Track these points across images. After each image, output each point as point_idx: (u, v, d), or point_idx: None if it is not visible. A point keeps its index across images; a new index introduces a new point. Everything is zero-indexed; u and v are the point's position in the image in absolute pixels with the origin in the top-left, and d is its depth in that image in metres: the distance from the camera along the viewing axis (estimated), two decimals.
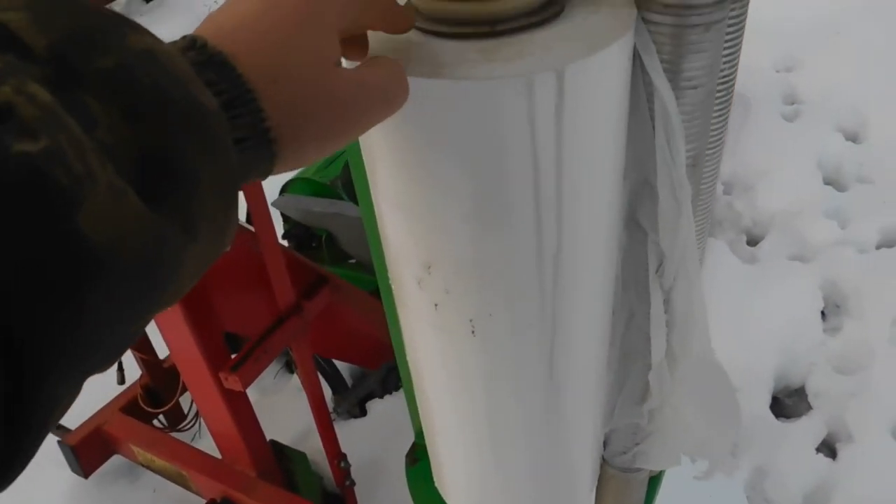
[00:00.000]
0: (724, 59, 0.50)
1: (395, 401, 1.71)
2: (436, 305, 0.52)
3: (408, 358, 0.67)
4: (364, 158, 0.52)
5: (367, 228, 0.72)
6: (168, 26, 3.67)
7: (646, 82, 0.47)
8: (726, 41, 0.48)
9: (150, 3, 4.34)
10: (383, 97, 0.37)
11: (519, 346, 0.54)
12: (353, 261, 1.86)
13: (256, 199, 1.01)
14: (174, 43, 0.30)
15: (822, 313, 2.06)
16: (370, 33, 0.42)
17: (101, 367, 0.25)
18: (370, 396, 1.75)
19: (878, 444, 1.67)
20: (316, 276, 1.22)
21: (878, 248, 2.24)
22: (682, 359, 0.63)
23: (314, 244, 1.89)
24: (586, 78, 0.41)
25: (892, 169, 2.44)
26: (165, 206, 0.25)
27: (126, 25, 0.26)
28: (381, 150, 0.47)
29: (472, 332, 0.53)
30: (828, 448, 1.75)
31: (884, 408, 1.75)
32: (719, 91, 0.52)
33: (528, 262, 0.48)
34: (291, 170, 0.35)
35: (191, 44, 0.30)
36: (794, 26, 3.04)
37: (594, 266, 0.53)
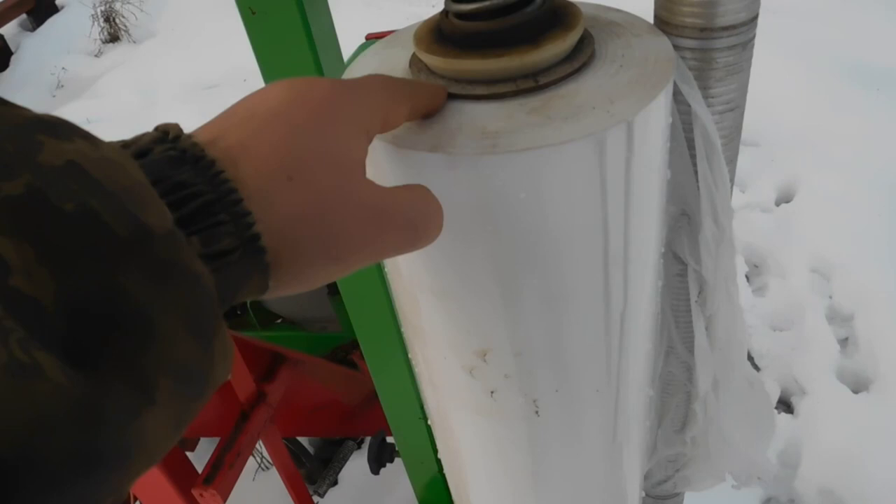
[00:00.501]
0: None
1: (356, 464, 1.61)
2: (492, 392, 0.46)
3: (441, 444, 0.60)
4: None
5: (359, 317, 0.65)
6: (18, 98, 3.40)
7: (681, 111, 0.43)
8: None
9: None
10: (411, 226, 0.31)
11: (586, 414, 0.49)
12: (279, 320, 1.75)
13: None
14: (141, 137, 0.24)
15: (746, 276, 2.16)
16: None
17: None
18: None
19: (830, 392, 1.75)
20: (270, 355, 1.11)
21: (777, 204, 2.38)
22: (725, 382, 0.60)
23: (238, 311, 1.76)
24: (648, 124, 0.36)
25: (773, 128, 2.60)
26: (106, 366, 0.19)
27: (42, 132, 0.20)
28: None
29: (536, 412, 0.47)
30: (784, 405, 1.82)
31: (824, 355, 1.84)
32: None
33: (598, 327, 0.43)
34: (294, 291, 0.28)
35: (161, 136, 0.24)
36: None
37: (649, 312, 0.49)
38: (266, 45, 0.52)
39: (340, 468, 1.46)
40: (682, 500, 0.79)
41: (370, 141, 0.31)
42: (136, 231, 0.20)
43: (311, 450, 1.69)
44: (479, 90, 0.36)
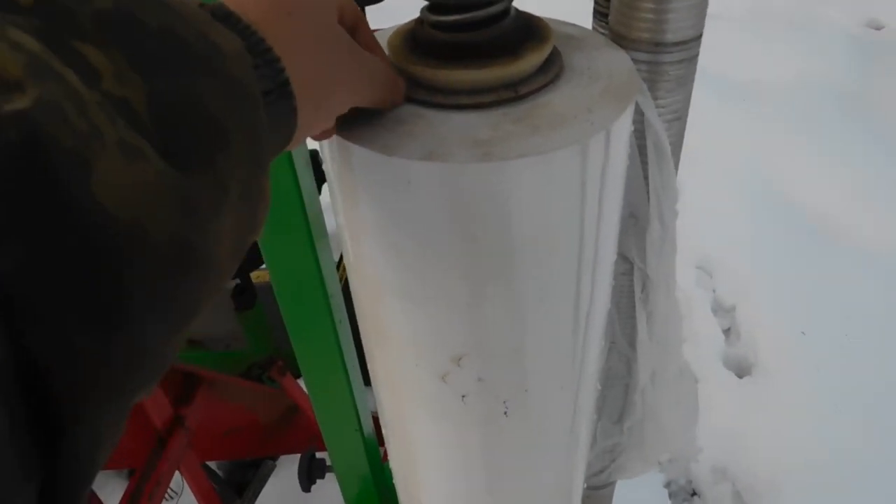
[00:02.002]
0: None
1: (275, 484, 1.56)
2: (464, 397, 0.47)
3: (395, 452, 0.60)
4: (352, 251, 0.45)
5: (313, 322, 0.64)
6: None
7: (634, 120, 0.46)
8: None
9: None
10: (390, 75, 0.36)
11: (550, 411, 0.51)
12: None
13: None
14: None
15: None
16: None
17: (145, 387, 0.20)
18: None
19: (718, 377, 1.89)
20: (186, 375, 1.05)
21: None
22: (662, 373, 0.64)
23: None
24: (621, 131, 0.39)
25: None
26: (190, 162, 0.21)
27: None
28: (390, 242, 0.40)
29: (505, 412, 0.48)
30: None
31: (711, 344, 1.99)
32: None
33: (567, 326, 0.45)
34: (303, 138, 0.32)
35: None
36: None
37: (605, 310, 0.51)
38: None
39: (260, 489, 1.41)
40: (614, 489, 0.83)
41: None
42: (211, 48, 0.23)
43: (220, 473, 1.61)
44: (463, 100, 0.37)
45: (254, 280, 1.48)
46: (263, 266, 1.39)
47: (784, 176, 2.48)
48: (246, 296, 1.47)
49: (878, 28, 3.31)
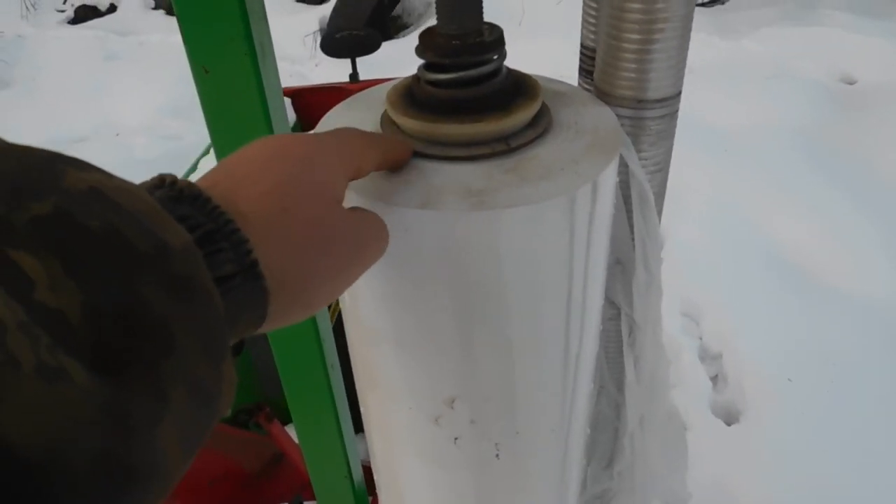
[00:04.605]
0: None
1: None
2: (456, 439, 0.48)
3: (385, 497, 0.60)
4: (348, 297, 0.46)
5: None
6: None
7: (619, 171, 0.48)
8: None
9: None
10: (377, 236, 0.35)
11: (541, 454, 0.51)
12: None
13: None
14: (142, 183, 0.26)
15: None
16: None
17: None
18: None
19: (706, 425, 1.89)
20: None
21: None
22: (650, 416, 0.65)
23: None
24: (607, 183, 0.41)
25: None
26: (127, 373, 0.20)
27: (64, 163, 0.22)
28: (386, 289, 0.42)
29: (497, 455, 0.49)
30: None
31: (699, 391, 1.99)
32: None
33: (557, 368, 0.46)
34: (289, 321, 0.30)
35: (159, 182, 0.26)
36: None
37: (594, 353, 0.53)
38: (217, 103, 0.52)
39: None
40: None
41: (348, 182, 0.35)
42: (156, 246, 0.21)
43: None
44: (457, 152, 0.39)
45: None
46: None
47: (763, 222, 2.53)
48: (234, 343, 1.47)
49: (851, 83, 3.44)
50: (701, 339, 2.16)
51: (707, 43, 3.75)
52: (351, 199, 0.39)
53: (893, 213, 2.48)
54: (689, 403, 1.95)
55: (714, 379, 2.06)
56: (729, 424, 1.91)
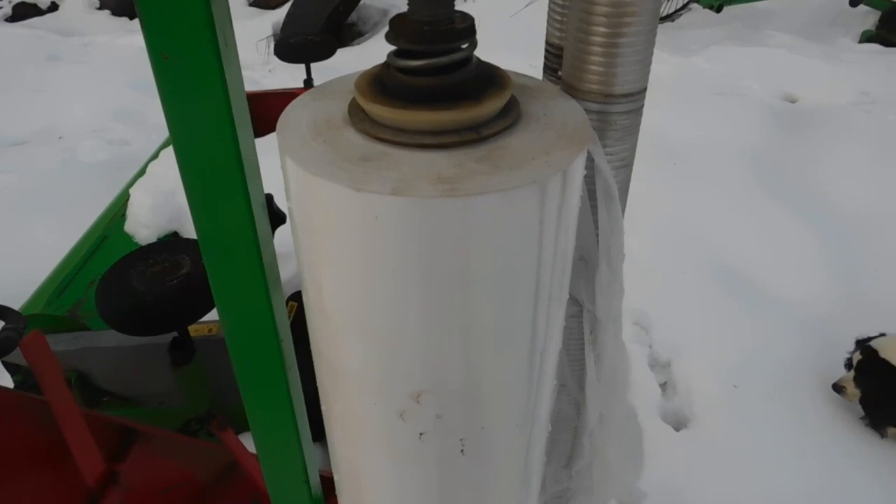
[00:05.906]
0: None
1: None
2: (421, 434, 0.47)
3: (347, 497, 0.59)
4: (312, 288, 0.45)
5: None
6: None
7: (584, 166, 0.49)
8: None
9: None
10: None
11: (505, 450, 0.51)
12: (106, 398, 1.58)
13: (44, 361, 0.80)
14: None
15: None
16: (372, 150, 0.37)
17: None
18: None
19: (656, 431, 1.93)
20: (121, 430, 1.00)
21: None
22: (609, 415, 0.66)
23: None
24: (576, 174, 0.41)
25: None
26: None
27: None
28: (353, 278, 0.41)
29: (462, 450, 0.48)
30: None
31: (649, 398, 2.03)
32: None
33: (523, 363, 0.46)
34: None
35: None
36: None
37: (557, 350, 0.53)
38: (176, 92, 0.50)
39: None
40: None
41: None
42: None
43: None
44: (428, 140, 0.39)
45: (192, 333, 1.43)
46: (202, 319, 1.35)
47: (710, 234, 2.60)
48: (183, 350, 1.41)
49: (793, 101, 3.58)
50: (651, 347, 2.21)
51: (658, 59, 3.84)
52: (319, 186, 0.38)
53: (833, 226, 2.58)
54: (640, 410, 1.98)
55: (663, 386, 2.10)
56: (678, 430, 1.94)
